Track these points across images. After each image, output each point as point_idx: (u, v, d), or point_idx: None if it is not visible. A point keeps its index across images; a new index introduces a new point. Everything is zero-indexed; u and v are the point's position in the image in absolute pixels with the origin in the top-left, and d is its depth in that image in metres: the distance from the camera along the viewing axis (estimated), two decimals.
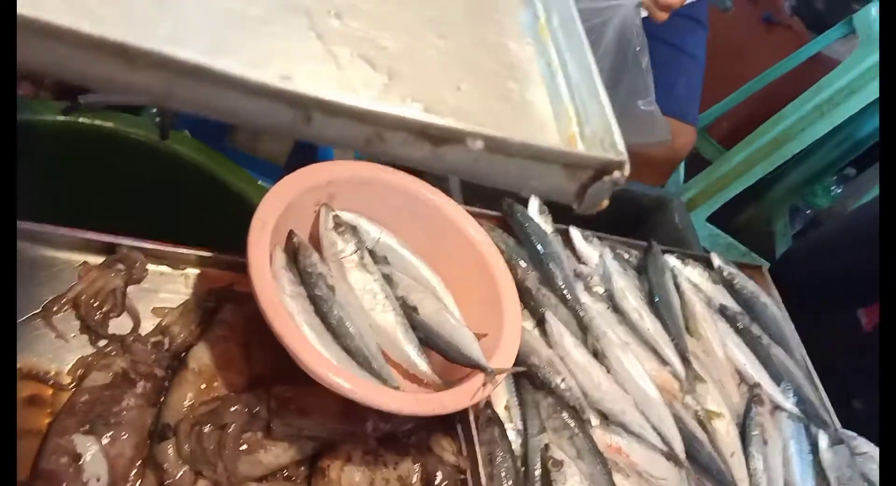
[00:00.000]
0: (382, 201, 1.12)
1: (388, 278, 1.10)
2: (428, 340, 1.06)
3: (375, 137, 0.33)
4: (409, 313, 1.07)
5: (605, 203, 0.40)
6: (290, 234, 1.04)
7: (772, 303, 1.52)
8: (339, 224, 1.03)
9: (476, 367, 1.00)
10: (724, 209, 2.43)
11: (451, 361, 1.04)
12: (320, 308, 1.00)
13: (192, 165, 1.35)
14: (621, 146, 0.40)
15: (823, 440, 1.33)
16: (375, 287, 1.07)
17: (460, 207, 1.16)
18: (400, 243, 1.13)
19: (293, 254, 1.03)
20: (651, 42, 1.75)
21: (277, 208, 0.98)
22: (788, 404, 1.34)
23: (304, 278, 1.01)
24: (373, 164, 1.11)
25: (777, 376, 1.38)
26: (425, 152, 0.34)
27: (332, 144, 0.33)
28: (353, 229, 1.08)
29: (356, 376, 0.94)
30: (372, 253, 1.12)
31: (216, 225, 1.19)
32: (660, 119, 1.65)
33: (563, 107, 0.44)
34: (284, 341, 0.88)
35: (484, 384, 0.97)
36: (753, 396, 1.30)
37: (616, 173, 0.39)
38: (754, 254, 2.38)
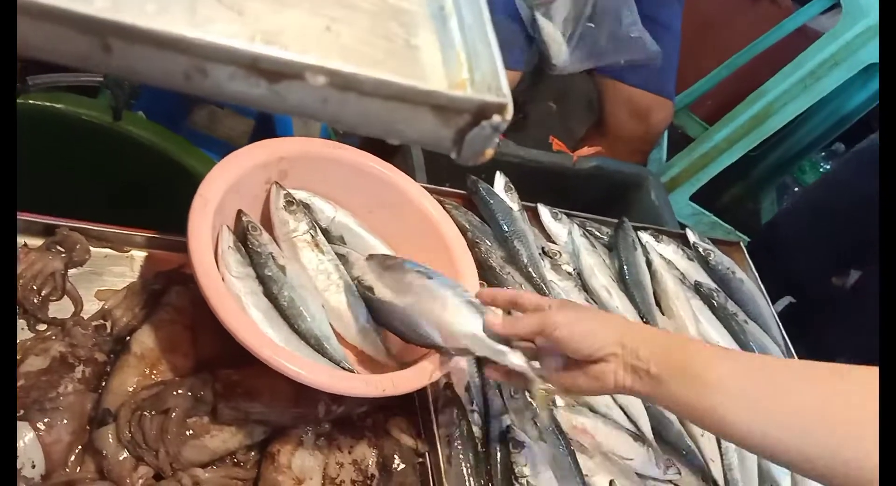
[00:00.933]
0: (337, 179, 1.09)
1: (343, 258, 1.07)
2: (383, 320, 1.03)
3: (195, 71, 0.29)
4: (364, 293, 1.04)
5: (490, 153, 0.37)
6: (239, 213, 1.00)
7: (748, 279, 1.49)
8: (290, 202, 1.00)
9: (432, 347, 0.97)
10: (710, 188, 2.40)
11: (406, 341, 1.01)
12: (270, 289, 0.97)
13: (146, 147, 1.32)
14: (505, 88, 0.36)
15: None
16: (329, 267, 1.04)
17: (416, 183, 1.13)
18: (356, 222, 1.10)
19: (242, 234, 1.00)
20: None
21: (222, 186, 0.94)
22: None
23: (254, 258, 0.98)
24: (327, 140, 1.08)
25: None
26: (262, 90, 0.31)
27: (146, 78, 0.29)
28: (306, 208, 1.05)
29: (302, 358, 0.91)
30: (326, 232, 1.09)
31: (173, 207, 1.16)
32: (648, 41, 1.72)
33: (453, 52, 0.40)
34: (225, 322, 0.85)
35: (441, 363, 0.94)
36: None
37: (496, 117, 0.35)
38: (739, 233, 2.34)
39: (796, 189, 2.81)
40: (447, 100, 0.34)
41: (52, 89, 1.29)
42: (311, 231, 1.05)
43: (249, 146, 1.01)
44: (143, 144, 1.33)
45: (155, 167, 1.31)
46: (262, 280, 0.97)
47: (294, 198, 1.05)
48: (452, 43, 0.41)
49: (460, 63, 0.40)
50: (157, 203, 1.19)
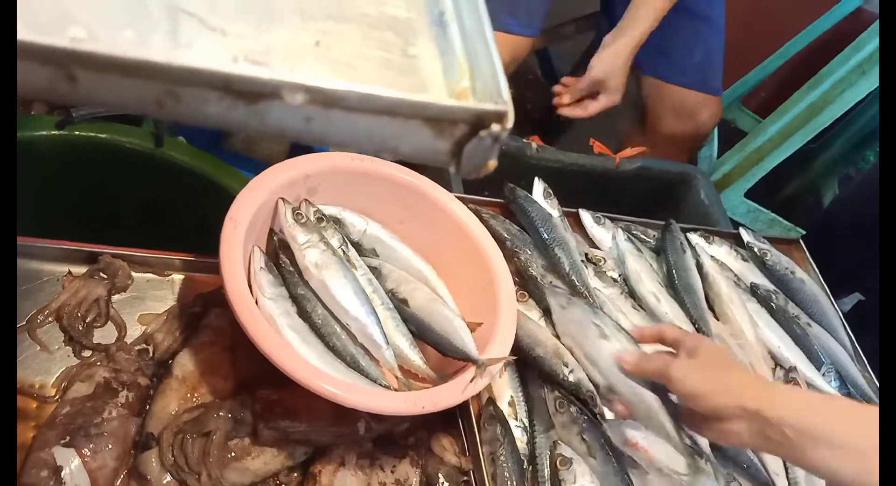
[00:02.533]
0: (366, 192, 1.08)
1: (376, 271, 1.06)
2: (420, 332, 1.02)
3: (167, 97, 0.28)
4: (399, 305, 1.03)
5: (493, 164, 0.34)
6: (270, 233, 1.00)
7: (809, 279, 1.41)
8: (299, 215, 0.99)
9: (467, 359, 0.95)
10: (766, 184, 2.29)
11: (443, 354, 0.99)
12: (303, 308, 0.96)
13: (187, 170, 1.34)
14: (505, 95, 0.34)
15: None
16: (363, 281, 1.03)
17: (447, 192, 1.11)
18: (388, 234, 1.09)
19: (274, 253, 0.99)
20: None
21: (251, 207, 0.95)
22: (830, 387, 1.23)
23: (286, 277, 0.97)
24: (352, 154, 1.07)
25: (817, 359, 1.27)
26: (241, 112, 0.29)
27: (116, 107, 0.28)
28: (337, 222, 1.04)
29: (341, 378, 0.90)
30: (359, 246, 1.08)
31: (215, 229, 1.17)
32: None
33: (454, 59, 0.38)
34: (259, 345, 0.85)
35: (473, 378, 0.92)
36: (789, 380, 1.20)
37: (496, 127, 0.33)
38: (800, 229, 2.23)
39: (855, 176, 2.66)
40: (440, 111, 0.32)
41: (95, 119, 1.32)
42: (342, 246, 1.04)
43: (276, 166, 1.01)
44: (184, 168, 1.35)
45: (196, 190, 1.33)
46: (295, 299, 0.96)
47: (303, 211, 1.03)
48: (453, 50, 0.39)
49: (462, 70, 0.38)
50: (199, 225, 1.21)
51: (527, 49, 1.75)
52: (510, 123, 0.33)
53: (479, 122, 0.32)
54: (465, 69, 0.38)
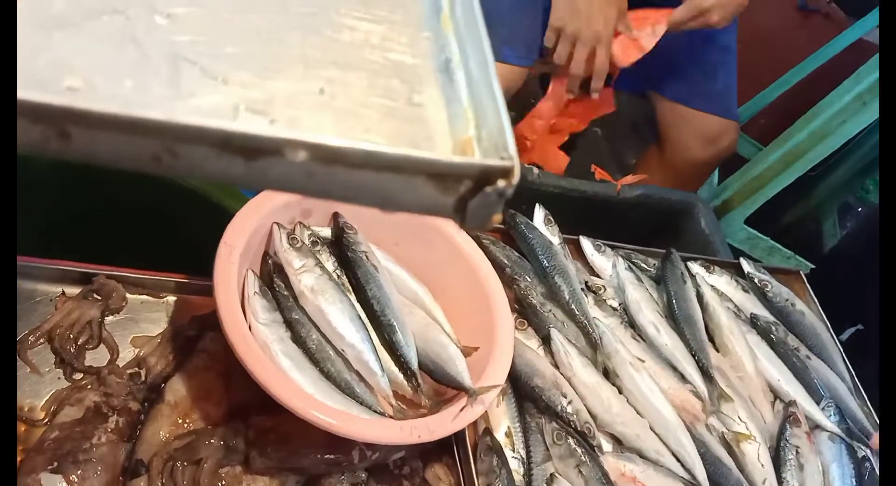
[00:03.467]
0: (362, 213, 1.07)
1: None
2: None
3: (165, 153, 0.27)
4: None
5: (498, 219, 0.34)
6: (265, 257, 1.00)
7: (809, 311, 1.40)
8: (293, 239, 0.98)
9: (459, 388, 0.94)
10: (767, 211, 2.29)
11: (436, 381, 0.98)
12: (298, 333, 0.95)
13: (186, 189, 1.32)
14: (511, 149, 0.33)
15: (876, 462, 1.20)
16: (358, 306, 1.02)
17: None
18: (383, 255, 1.08)
19: (268, 277, 0.99)
20: (681, 36, 1.66)
21: (246, 231, 0.94)
22: (829, 422, 1.22)
23: (280, 302, 0.96)
24: None
25: (817, 392, 1.26)
26: (240, 169, 0.28)
27: (111, 164, 0.28)
28: (315, 243, 1.03)
29: (335, 406, 0.89)
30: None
31: (212, 250, 1.16)
32: None
33: (461, 108, 0.37)
34: (253, 374, 0.84)
35: (464, 407, 0.90)
36: (788, 415, 1.18)
37: (501, 182, 0.32)
38: (800, 258, 2.23)
39: (860, 209, 2.66)
40: (445, 167, 0.31)
41: None
42: (336, 271, 1.03)
43: (269, 190, 1.01)
44: (182, 187, 1.34)
45: (192, 208, 1.32)
46: (290, 324, 0.95)
47: (297, 235, 1.02)
48: (459, 98, 0.38)
49: (468, 120, 0.37)
50: (198, 245, 1.20)
51: (523, 78, 1.75)
52: (516, 178, 0.32)
53: (484, 178, 0.32)
54: (472, 118, 0.37)
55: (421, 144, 0.34)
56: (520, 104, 1.97)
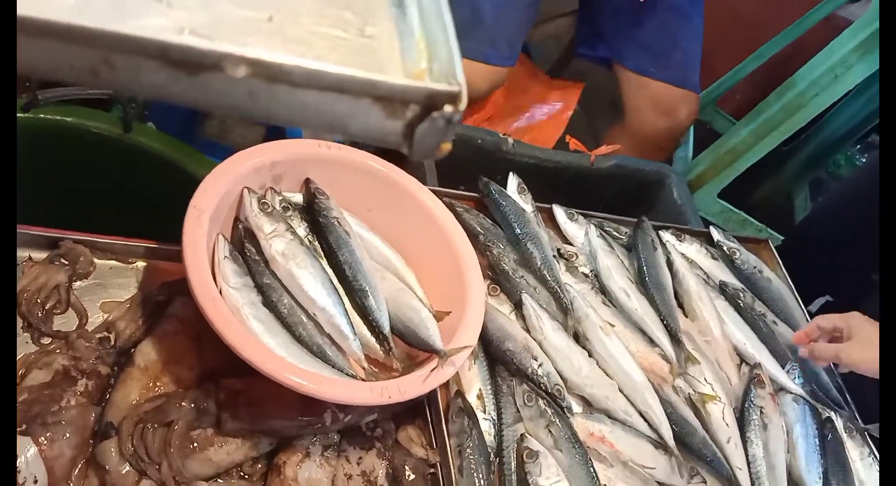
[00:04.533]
0: (333, 179, 1.07)
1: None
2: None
3: (102, 65, 0.27)
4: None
5: (447, 147, 0.34)
6: (235, 221, 0.99)
7: (776, 278, 1.43)
8: (264, 204, 0.98)
9: (430, 350, 0.95)
10: (740, 185, 2.32)
11: (408, 344, 0.99)
12: (269, 297, 0.95)
13: (156, 157, 1.31)
14: (459, 76, 0.33)
15: (838, 422, 1.24)
16: (329, 270, 1.02)
17: (416, 181, 1.10)
18: (355, 221, 1.08)
19: (239, 242, 0.98)
20: (644, 6, 1.66)
21: (216, 195, 0.93)
22: (793, 384, 1.25)
23: (251, 266, 0.96)
24: (319, 141, 1.06)
25: (782, 356, 1.29)
26: (182, 84, 0.28)
27: (49, 74, 0.27)
28: (286, 209, 1.03)
29: (304, 368, 0.89)
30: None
31: (182, 218, 1.15)
32: None
33: (413, 41, 0.37)
34: (223, 336, 0.84)
35: (434, 368, 0.92)
36: (753, 377, 1.21)
37: (448, 108, 0.32)
38: (771, 231, 2.26)
39: (831, 185, 2.70)
40: (391, 90, 0.31)
41: (62, 103, 1.29)
42: (308, 236, 1.03)
43: (241, 153, 1.00)
44: (153, 155, 1.33)
45: (166, 178, 1.31)
46: (261, 289, 0.95)
47: (268, 200, 1.02)
48: (412, 32, 0.38)
49: (420, 52, 0.37)
50: (169, 214, 1.19)
51: (505, 77, 1.76)
52: (464, 104, 0.33)
53: (431, 102, 0.32)
54: (424, 51, 0.37)
55: (367, 71, 0.34)
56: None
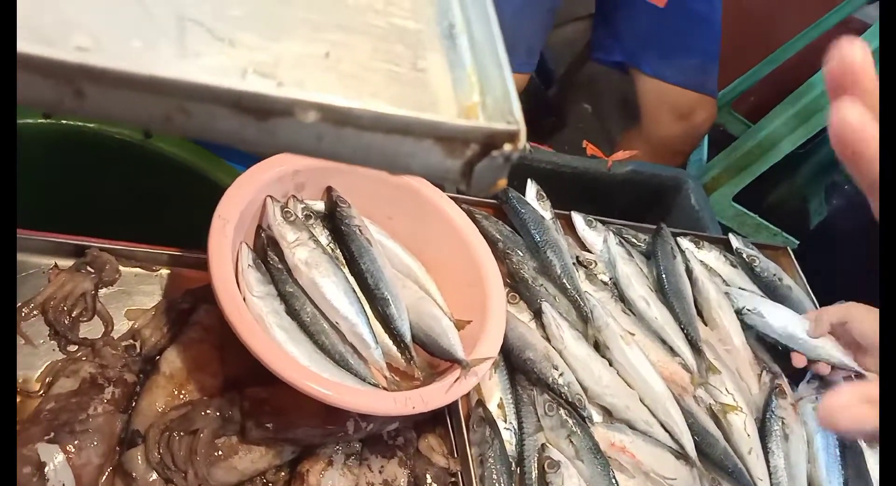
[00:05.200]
0: (354, 187, 1.07)
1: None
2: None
3: (178, 113, 0.27)
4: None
5: (503, 183, 0.34)
6: (258, 230, 1.00)
7: (796, 286, 1.43)
8: (287, 213, 0.99)
9: (452, 360, 0.95)
10: (754, 188, 2.31)
11: (429, 353, 0.99)
12: (292, 306, 0.95)
13: (178, 163, 1.32)
14: (517, 114, 0.33)
15: None
16: (352, 279, 1.02)
17: (437, 189, 1.10)
18: (376, 229, 1.08)
19: (262, 251, 0.99)
20: (660, 8, 1.66)
21: (240, 204, 0.94)
22: (815, 394, 1.24)
23: (274, 275, 0.97)
24: None
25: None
26: (251, 130, 0.28)
27: (124, 121, 0.28)
28: (308, 217, 1.03)
29: (330, 378, 0.89)
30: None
31: (206, 222, 1.16)
32: None
33: (464, 73, 0.37)
34: (249, 345, 0.84)
35: (457, 378, 0.92)
36: (774, 387, 1.21)
37: (508, 146, 0.32)
38: (786, 235, 2.25)
39: (846, 188, 2.68)
40: (453, 131, 0.31)
41: None
42: (330, 245, 1.04)
43: (264, 162, 1.01)
44: (174, 160, 1.33)
45: (186, 183, 1.32)
46: (284, 297, 0.96)
47: (291, 208, 1.02)
48: (463, 64, 0.38)
49: (471, 85, 0.37)
50: (190, 219, 1.20)
51: (525, 83, 1.76)
52: (522, 142, 0.33)
53: (491, 141, 0.32)
54: (475, 84, 0.37)
55: (426, 108, 0.34)
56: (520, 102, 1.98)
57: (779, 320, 1.26)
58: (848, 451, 1.19)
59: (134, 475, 0.85)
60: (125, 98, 0.26)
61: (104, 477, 0.85)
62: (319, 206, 1.09)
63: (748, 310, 1.29)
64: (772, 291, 1.40)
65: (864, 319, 1.15)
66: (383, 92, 0.34)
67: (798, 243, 2.03)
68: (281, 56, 0.33)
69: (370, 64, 0.35)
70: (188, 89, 0.26)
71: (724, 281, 1.39)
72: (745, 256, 1.43)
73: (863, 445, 1.22)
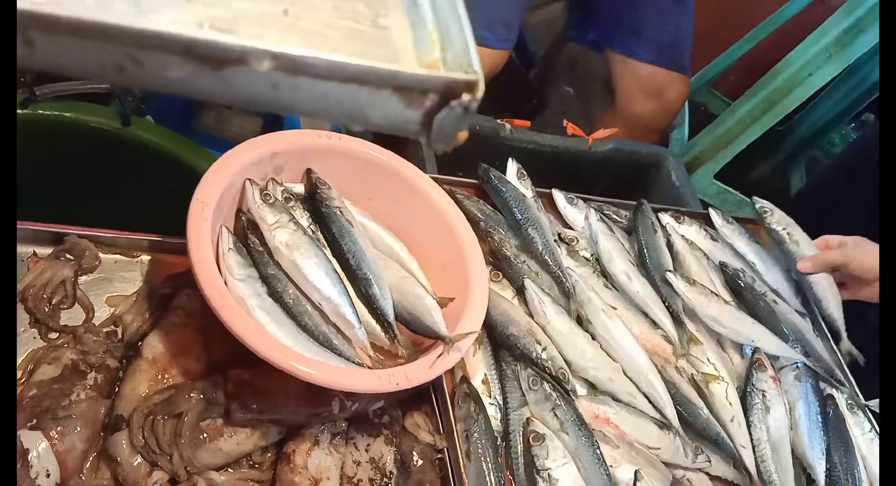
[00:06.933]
0: (333, 169, 1.07)
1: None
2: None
3: (128, 62, 0.27)
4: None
5: (464, 136, 0.34)
6: (238, 213, 0.99)
7: (774, 257, 1.44)
8: (267, 195, 0.98)
9: (435, 337, 0.95)
10: (736, 166, 2.33)
11: (412, 331, 1.00)
12: (274, 288, 0.95)
13: (155, 150, 1.32)
14: (475, 64, 0.33)
15: (840, 399, 1.25)
16: (334, 260, 1.02)
17: (417, 169, 1.11)
18: (357, 211, 1.08)
19: (242, 234, 0.98)
20: None
21: (218, 187, 0.93)
22: (795, 362, 1.26)
23: (255, 257, 0.96)
24: (319, 131, 1.06)
25: (783, 335, 1.30)
26: (207, 79, 0.29)
27: (74, 72, 0.28)
28: (288, 199, 1.03)
29: (311, 357, 0.90)
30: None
31: (184, 210, 1.16)
32: None
33: (425, 32, 0.38)
34: (233, 330, 0.84)
35: (441, 354, 0.92)
36: (754, 361, 1.22)
37: (466, 96, 0.33)
38: None
39: (826, 162, 2.72)
40: (410, 80, 0.31)
41: (60, 98, 1.29)
42: (311, 226, 1.04)
43: (241, 145, 1.00)
44: (152, 149, 1.33)
45: (165, 170, 1.31)
46: (266, 280, 0.96)
47: (270, 191, 1.02)
48: (424, 23, 0.38)
49: (433, 42, 0.37)
50: (169, 206, 1.19)
51: (504, 60, 1.75)
52: (481, 92, 0.33)
53: (449, 91, 0.32)
54: (436, 41, 0.37)
55: (386, 63, 0.34)
56: (500, 84, 1.97)
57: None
58: (829, 417, 1.21)
59: (119, 459, 0.84)
60: (74, 47, 0.26)
61: (89, 462, 0.85)
62: (299, 188, 1.08)
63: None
64: (751, 264, 1.41)
65: (865, 256, 1.27)
66: (344, 48, 0.34)
67: None
68: (239, 13, 0.33)
69: (331, 22, 0.35)
70: (138, 37, 0.26)
71: (704, 255, 1.40)
72: (725, 229, 1.44)
73: (845, 412, 1.24)
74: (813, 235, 1.42)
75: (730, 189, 2.29)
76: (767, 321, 1.29)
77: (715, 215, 1.46)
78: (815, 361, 1.29)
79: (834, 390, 1.28)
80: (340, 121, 0.32)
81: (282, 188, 1.04)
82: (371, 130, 0.33)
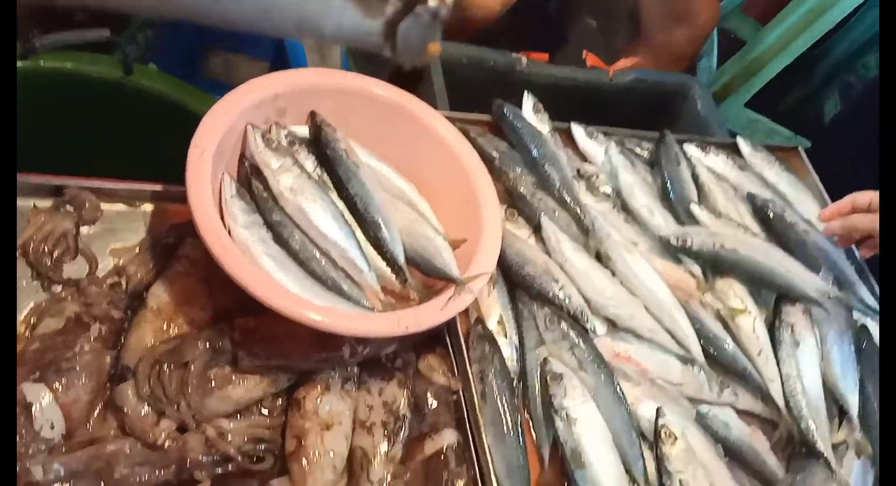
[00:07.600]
0: (339, 109, 1.02)
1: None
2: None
3: None
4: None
5: (435, 49, 0.30)
6: (241, 159, 0.96)
7: (808, 187, 1.37)
8: (269, 140, 0.94)
9: (447, 278, 0.92)
10: (767, 93, 2.21)
11: (424, 273, 0.97)
12: (280, 234, 0.92)
13: (159, 98, 1.28)
14: None
15: (874, 330, 1.20)
16: (340, 203, 0.99)
17: (427, 106, 1.05)
18: (366, 152, 1.04)
19: (246, 179, 0.95)
20: None
21: (217, 132, 0.90)
22: (827, 292, 1.20)
23: (260, 204, 0.93)
24: (322, 69, 1.01)
25: (815, 265, 1.23)
26: None
27: None
28: (292, 143, 0.99)
29: (318, 303, 0.87)
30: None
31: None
32: None
33: None
34: (236, 278, 0.82)
35: (451, 297, 0.89)
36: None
37: (433, 2, 0.28)
38: (801, 137, 2.16)
39: (860, 87, 2.57)
40: None
41: (60, 49, 1.26)
42: (316, 170, 1.00)
43: (241, 87, 0.96)
44: (156, 97, 1.29)
45: (170, 119, 1.27)
46: (271, 226, 0.93)
47: (272, 135, 0.98)
48: None
49: None
50: (175, 155, 1.16)
51: None
52: None
53: None
54: None
55: None
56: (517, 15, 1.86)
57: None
58: (863, 348, 1.16)
59: (125, 409, 0.84)
60: None
61: (96, 413, 0.85)
62: (304, 131, 1.04)
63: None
64: (782, 193, 1.34)
65: None
66: None
67: (810, 143, 1.95)
68: None
69: None
70: None
71: (732, 187, 1.33)
72: (754, 159, 1.37)
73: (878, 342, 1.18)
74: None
75: (760, 117, 2.18)
76: (799, 253, 1.23)
77: (743, 144, 1.39)
78: (850, 289, 1.23)
79: (868, 319, 1.22)
80: (292, 34, 0.28)
81: (285, 132, 0.99)
82: (327, 43, 0.28)
